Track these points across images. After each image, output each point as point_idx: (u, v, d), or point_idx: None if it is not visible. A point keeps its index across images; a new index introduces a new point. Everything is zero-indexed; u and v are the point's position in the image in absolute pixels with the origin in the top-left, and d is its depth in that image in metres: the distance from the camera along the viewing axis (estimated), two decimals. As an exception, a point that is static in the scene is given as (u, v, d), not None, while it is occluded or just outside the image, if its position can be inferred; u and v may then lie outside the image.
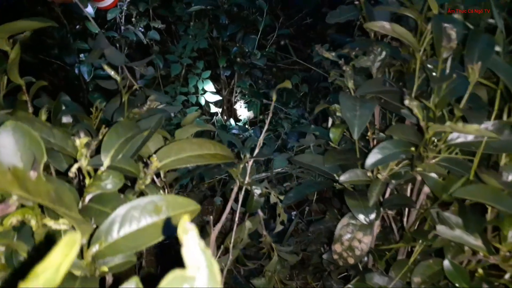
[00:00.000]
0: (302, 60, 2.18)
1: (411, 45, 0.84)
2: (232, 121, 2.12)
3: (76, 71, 1.58)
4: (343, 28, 2.41)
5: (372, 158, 0.73)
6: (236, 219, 0.94)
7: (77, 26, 1.49)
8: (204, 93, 1.96)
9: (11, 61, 0.69)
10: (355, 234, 0.83)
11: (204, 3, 1.72)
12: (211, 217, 0.93)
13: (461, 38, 0.79)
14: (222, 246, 0.97)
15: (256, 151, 0.90)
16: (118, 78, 0.81)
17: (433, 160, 0.77)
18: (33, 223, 0.45)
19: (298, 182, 1.29)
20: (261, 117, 2.11)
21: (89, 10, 1.38)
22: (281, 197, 1.00)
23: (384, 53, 0.93)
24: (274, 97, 0.86)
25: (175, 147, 0.61)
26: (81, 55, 1.53)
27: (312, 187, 0.97)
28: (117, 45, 1.67)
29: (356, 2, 1.00)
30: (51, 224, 0.46)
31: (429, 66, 0.83)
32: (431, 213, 0.81)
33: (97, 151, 0.59)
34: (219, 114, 2.15)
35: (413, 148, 0.74)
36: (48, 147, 0.63)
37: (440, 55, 0.77)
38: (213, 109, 2.06)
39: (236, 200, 0.98)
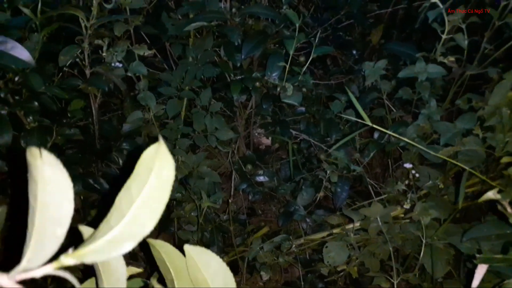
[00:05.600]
0: (341, 73, 1.63)
1: None
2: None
3: None
4: (391, 29, 1.72)
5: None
6: None
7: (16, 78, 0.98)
8: (216, 131, 1.42)
9: None
10: None
11: (208, 18, 1.18)
12: None
13: None
14: None
15: None
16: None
17: None
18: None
19: None
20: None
21: (25, 56, 0.88)
22: None
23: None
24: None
25: None
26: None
27: None
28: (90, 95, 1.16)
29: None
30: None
31: None
32: None
33: None
34: (235, 152, 1.65)
35: None
36: None
37: None
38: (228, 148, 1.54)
39: None
